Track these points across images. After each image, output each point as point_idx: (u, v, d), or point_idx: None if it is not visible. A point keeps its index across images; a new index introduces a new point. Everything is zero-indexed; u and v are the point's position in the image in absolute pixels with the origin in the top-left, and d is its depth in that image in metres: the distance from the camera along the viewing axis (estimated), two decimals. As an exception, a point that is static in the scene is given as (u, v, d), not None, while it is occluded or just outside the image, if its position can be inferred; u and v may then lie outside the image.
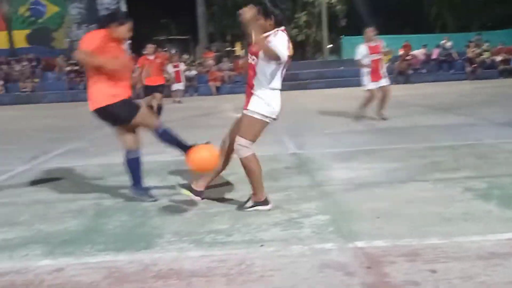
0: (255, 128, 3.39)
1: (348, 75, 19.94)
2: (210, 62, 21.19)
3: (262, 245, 2.77)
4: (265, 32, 3.31)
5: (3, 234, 3.18)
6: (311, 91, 18.15)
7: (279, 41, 3.27)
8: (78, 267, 2.59)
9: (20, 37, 23.25)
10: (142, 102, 9.59)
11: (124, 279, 2.41)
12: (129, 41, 23.65)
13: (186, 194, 3.52)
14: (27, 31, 23.28)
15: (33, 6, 23.17)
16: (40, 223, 3.39)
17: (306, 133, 7.15)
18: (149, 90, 9.82)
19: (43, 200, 4.03)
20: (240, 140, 3.37)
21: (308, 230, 2.99)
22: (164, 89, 10.43)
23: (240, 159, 3.41)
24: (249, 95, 3.45)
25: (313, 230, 2.99)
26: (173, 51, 20.68)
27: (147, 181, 4.41)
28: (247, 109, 3.39)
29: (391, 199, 3.55)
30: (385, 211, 3.27)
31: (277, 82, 3.49)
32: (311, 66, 22.74)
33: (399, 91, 14.66)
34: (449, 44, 21.25)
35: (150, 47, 10.05)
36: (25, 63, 21.35)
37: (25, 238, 3.10)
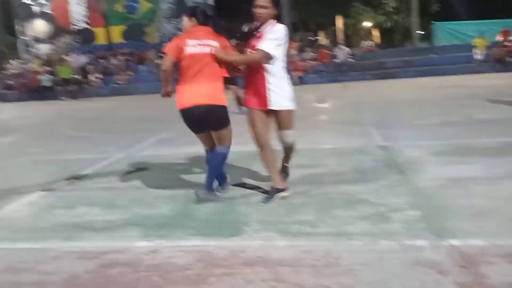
0: (293, 118, 3.63)
1: (440, 63, 18.93)
2: (293, 52, 21.13)
3: (349, 238, 2.75)
4: (267, 19, 3.50)
5: (105, 216, 3.46)
6: (399, 80, 17.43)
7: (273, 35, 3.43)
8: (171, 249, 2.75)
9: (116, 33, 24.84)
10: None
11: (215, 264, 2.51)
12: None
13: (282, 196, 3.59)
14: (122, 27, 24.81)
15: (128, 3, 24.63)
16: (137, 207, 3.63)
17: (394, 124, 6.90)
18: (226, 82, 9.83)
19: (139, 185, 4.30)
20: (291, 132, 3.62)
21: (398, 226, 2.91)
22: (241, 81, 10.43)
23: (293, 146, 3.74)
24: (261, 90, 3.50)
25: (403, 225, 2.90)
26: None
27: (234, 171, 4.55)
28: (280, 108, 3.53)
29: (488, 196, 3.34)
30: (482, 209, 3.08)
31: (284, 71, 3.59)
32: (399, 54, 21.79)
33: (497, 79, 13.64)
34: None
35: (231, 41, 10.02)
36: (120, 57, 22.86)
37: (124, 220, 3.34)
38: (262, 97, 3.50)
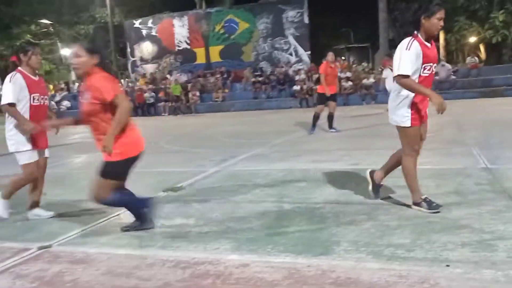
0: None
1: (556, 80, 17.26)
2: (390, 69, 20.53)
3: (447, 265, 2.57)
4: None
5: (199, 228, 3.59)
6: (506, 99, 16.14)
7: None
8: (261, 264, 2.76)
9: (215, 53, 26.05)
10: (315, 110, 9.75)
11: (303, 282, 2.48)
12: (309, 52, 24.37)
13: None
14: (221, 47, 25.97)
15: (227, 24, 25.75)
16: (229, 220, 3.72)
17: (501, 145, 6.37)
18: (324, 99, 9.61)
19: (232, 200, 4.41)
20: None
21: (503, 254, 2.66)
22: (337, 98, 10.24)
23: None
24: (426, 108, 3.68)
25: (509, 254, 2.66)
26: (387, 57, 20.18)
27: (326, 187, 4.50)
28: None
29: None
30: None
31: None
32: (509, 70, 20.21)
33: None
34: None
35: (331, 55, 9.86)
36: (218, 75, 23.92)
37: (217, 233, 3.44)
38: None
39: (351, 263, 2.70)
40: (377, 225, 3.34)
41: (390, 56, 23.45)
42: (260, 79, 22.69)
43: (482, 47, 27.03)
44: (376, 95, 19.22)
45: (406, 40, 3.50)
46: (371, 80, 19.83)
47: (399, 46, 3.55)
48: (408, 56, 3.43)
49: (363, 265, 2.66)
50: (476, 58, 22.23)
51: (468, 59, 22.08)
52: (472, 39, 25.76)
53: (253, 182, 5.15)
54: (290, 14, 24.53)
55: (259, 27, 25.18)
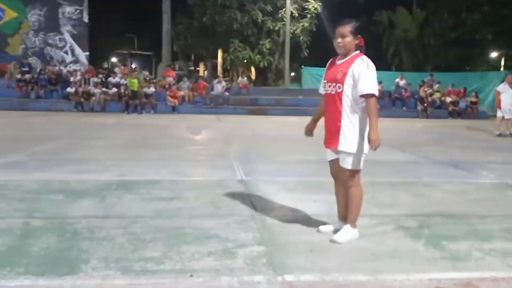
0: None
1: (306, 104, 20.38)
2: (170, 80, 21.14)
3: (191, 275, 2.72)
4: None
5: None
6: (269, 117, 18.37)
7: None
8: (-8, 291, 2.45)
9: (-27, 40, 22.43)
10: None
11: (39, 307, 2.29)
12: (88, 53, 23.19)
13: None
14: (-19, 35, 22.50)
15: (-10, 9, 22.49)
16: (-40, 240, 3.19)
17: (256, 159, 7.17)
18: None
19: (-31, 215, 3.81)
20: None
21: (241, 261, 2.96)
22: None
23: None
24: None
25: (245, 261, 2.96)
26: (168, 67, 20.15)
27: (110, 198, 4.27)
28: None
29: (327, 232, 3.58)
30: (319, 245, 3.29)
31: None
32: (272, 92, 23.12)
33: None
34: (402, 82, 22.20)
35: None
36: (-26, 67, 20.60)
37: None
38: None
39: (98, 281, 2.62)
40: (131, 239, 3.33)
41: (171, 67, 24.09)
42: (27, 76, 20.40)
43: (253, 69, 30.21)
44: (156, 104, 19.45)
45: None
46: (152, 89, 19.96)
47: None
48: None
49: (110, 282, 2.61)
50: (246, 78, 24.78)
51: (239, 79, 24.46)
52: (244, 61, 28.54)
53: (0, 194, 4.55)
54: (68, 9, 22.93)
55: (30, 18, 22.73)
